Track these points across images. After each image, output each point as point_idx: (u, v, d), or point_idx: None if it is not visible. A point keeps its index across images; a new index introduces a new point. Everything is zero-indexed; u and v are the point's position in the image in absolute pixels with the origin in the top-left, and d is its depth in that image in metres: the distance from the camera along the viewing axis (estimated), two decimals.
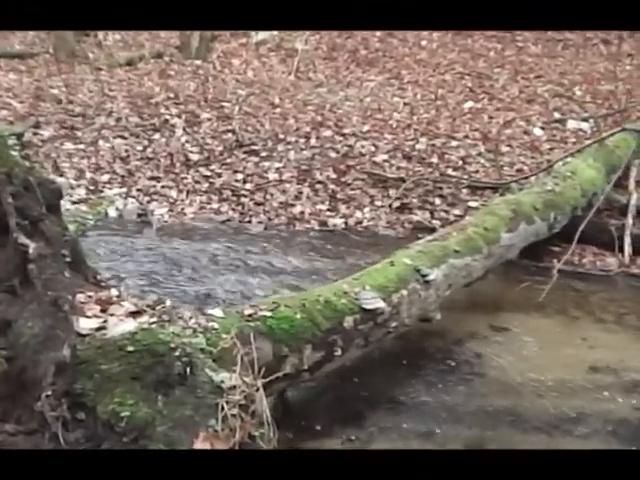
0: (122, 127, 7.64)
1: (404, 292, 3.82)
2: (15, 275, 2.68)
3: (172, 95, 8.72)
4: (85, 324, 2.60)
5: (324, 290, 3.60)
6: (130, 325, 2.59)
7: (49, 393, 2.39)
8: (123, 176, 6.71)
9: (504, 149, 7.47)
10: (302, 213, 6.26)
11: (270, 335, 3.13)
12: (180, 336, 2.61)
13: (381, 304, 3.62)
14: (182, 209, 6.25)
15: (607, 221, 5.76)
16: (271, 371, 2.91)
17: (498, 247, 4.76)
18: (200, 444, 2.40)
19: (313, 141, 7.51)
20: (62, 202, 3.01)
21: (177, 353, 2.52)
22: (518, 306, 4.80)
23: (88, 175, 6.67)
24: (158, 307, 2.77)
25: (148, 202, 6.29)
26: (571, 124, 8.27)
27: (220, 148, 7.28)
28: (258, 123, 7.92)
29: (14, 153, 3.41)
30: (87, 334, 2.56)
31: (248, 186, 6.62)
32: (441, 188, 6.62)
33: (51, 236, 2.76)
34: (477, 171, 7.04)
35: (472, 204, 6.33)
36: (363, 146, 7.41)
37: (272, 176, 6.81)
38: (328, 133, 7.72)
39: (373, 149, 7.37)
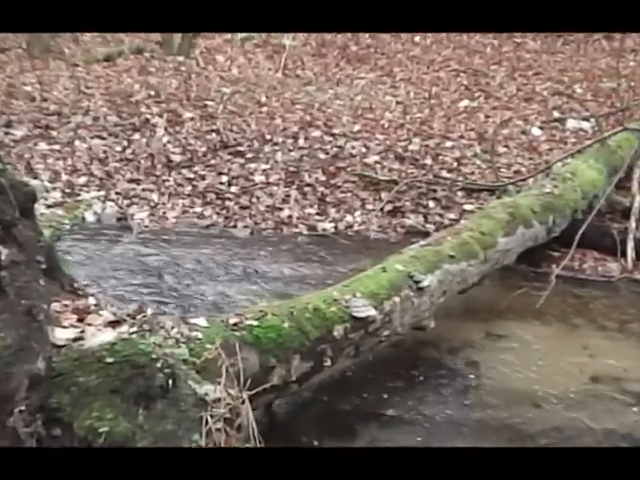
0: (100, 127, 7.63)
1: (396, 299, 3.83)
2: None
3: (153, 93, 8.72)
4: (61, 334, 2.59)
5: (313, 297, 3.61)
6: (109, 335, 2.59)
7: (22, 408, 2.38)
8: (101, 178, 6.70)
9: (501, 150, 7.51)
10: (290, 217, 6.27)
11: (256, 345, 3.13)
12: (162, 346, 2.61)
13: (372, 312, 3.63)
14: (164, 213, 6.25)
15: (609, 224, 5.79)
16: (257, 383, 2.91)
17: (495, 252, 4.77)
18: None
19: (301, 142, 7.52)
20: (36, 206, 3.00)
21: (159, 364, 2.52)
22: (516, 313, 4.82)
23: (64, 177, 6.66)
24: (138, 316, 2.77)
25: (128, 206, 6.28)
26: (571, 123, 8.33)
27: (204, 149, 7.28)
28: (244, 123, 7.92)
29: None
30: (63, 345, 2.55)
31: (233, 189, 6.62)
32: (435, 191, 6.64)
33: (25, 242, 2.75)
34: (473, 173, 7.07)
35: (467, 207, 6.36)
36: (354, 147, 7.43)
37: (258, 178, 6.81)
38: (317, 133, 7.74)
39: (364, 150, 7.39)
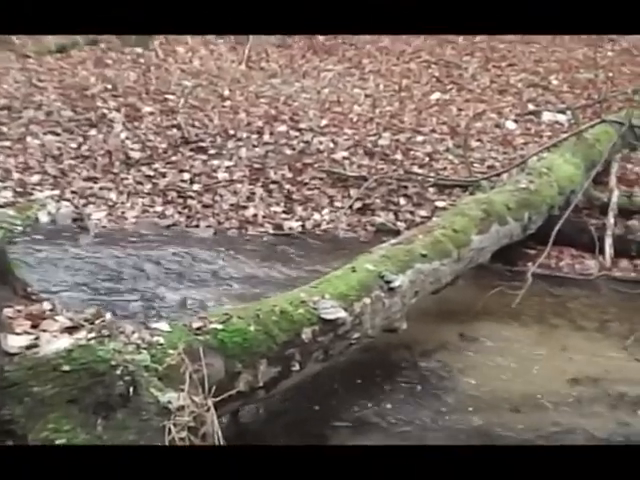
0: (54, 122, 7.56)
1: (367, 300, 3.84)
2: None
3: (110, 86, 8.66)
4: (14, 342, 2.57)
5: (280, 299, 3.61)
6: (65, 342, 2.57)
7: None
8: (55, 176, 6.65)
9: (474, 144, 7.56)
10: (255, 216, 6.26)
11: (221, 350, 3.13)
12: (122, 353, 2.59)
13: (342, 314, 3.64)
14: (122, 213, 6.22)
15: (586, 221, 5.83)
16: (223, 389, 2.91)
17: (468, 250, 4.81)
18: None
19: (266, 137, 7.52)
20: None
21: (119, 372, 2.51)
22: (491, 314, 4.85)
23: (15, 175, 6.59)
24: (97, 321, 2.75)
25: (84, 205, 6.24)
26: (547, 116, 8.40)
27: (164, 145, 7.25)
28: (206, 117, 7.90)
29: None
30: (16, 353, 2.53)
31: (195, 187, 6.61)
32: (406, 187, 6.67)
33: None
34: (445, 168, 7.11)
35: (440, 204, 6.40)
36: (321, 142, 7.44)
37: (222, 176, 6.80)
38: (283, 128, 7.74)
39: (332, 145, 7.40)
